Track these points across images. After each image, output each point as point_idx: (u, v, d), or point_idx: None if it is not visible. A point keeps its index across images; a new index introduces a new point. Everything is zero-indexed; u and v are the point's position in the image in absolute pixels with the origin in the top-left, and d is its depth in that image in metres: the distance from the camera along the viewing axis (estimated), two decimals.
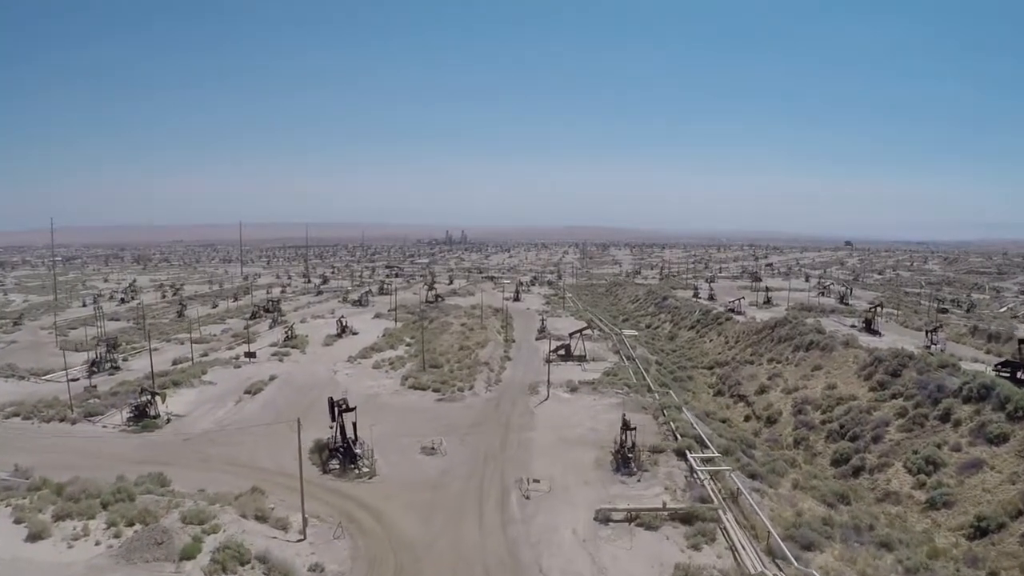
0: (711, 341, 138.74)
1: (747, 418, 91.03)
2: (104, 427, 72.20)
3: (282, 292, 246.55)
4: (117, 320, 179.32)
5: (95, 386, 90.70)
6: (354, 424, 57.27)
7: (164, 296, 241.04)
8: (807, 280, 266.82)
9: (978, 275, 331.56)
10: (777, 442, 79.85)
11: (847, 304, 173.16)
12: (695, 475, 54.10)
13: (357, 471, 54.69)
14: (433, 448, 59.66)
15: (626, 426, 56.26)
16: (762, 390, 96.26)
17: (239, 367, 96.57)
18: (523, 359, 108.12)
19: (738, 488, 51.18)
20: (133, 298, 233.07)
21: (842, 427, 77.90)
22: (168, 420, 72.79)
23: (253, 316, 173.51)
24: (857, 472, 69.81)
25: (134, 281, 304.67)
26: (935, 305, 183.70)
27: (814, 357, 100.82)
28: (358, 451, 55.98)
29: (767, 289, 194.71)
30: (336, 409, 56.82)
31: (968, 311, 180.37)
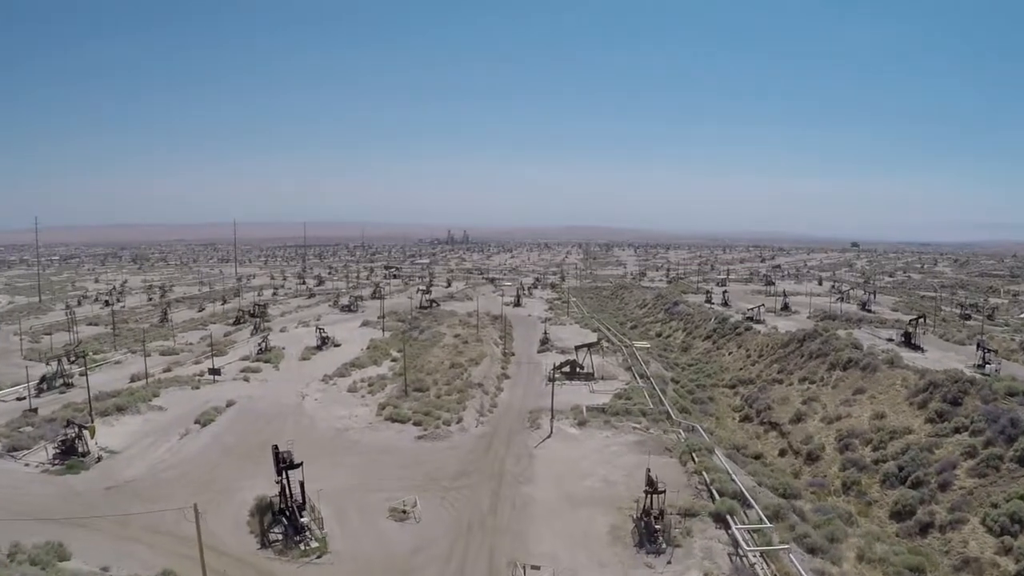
0: (730, 354, 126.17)
1: (782, 452, 78.43)
2: (27, 465, 60.97)
3: (274, 294, 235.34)
4: (96, 325, 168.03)
5: (35, 409, 78.98)
6: (301, 483, 44.64)
7: (151, 299, 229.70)
8: (820, 283, 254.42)
9: (991, 278, 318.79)
10: (823, 486, 67.33)
11: (870, 311, 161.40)
12: (741, 553, 41.92)
13: (304, 545, 42.14)
14: (404, 511, 46.94)
15: (652, 487, 43.90)
16: (798, 417, 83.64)
17: (198, 388, 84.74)
18: (523, 378, 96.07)
19: (799, 573, 39.07)
20: (118, 300, 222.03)
21: (900, 469, 65.38)
22: (99, 459, 61.31)
23: (237, 321, 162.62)
24: (925, 529, 57.53)
25: (125, 282, 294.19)
26: (957, 311, 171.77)
27: (854, 378, 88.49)
28: (304, 519, 43.25)
29: (784, 294, 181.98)
30: (279, 463, 44.44)
31: (990, 317, 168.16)
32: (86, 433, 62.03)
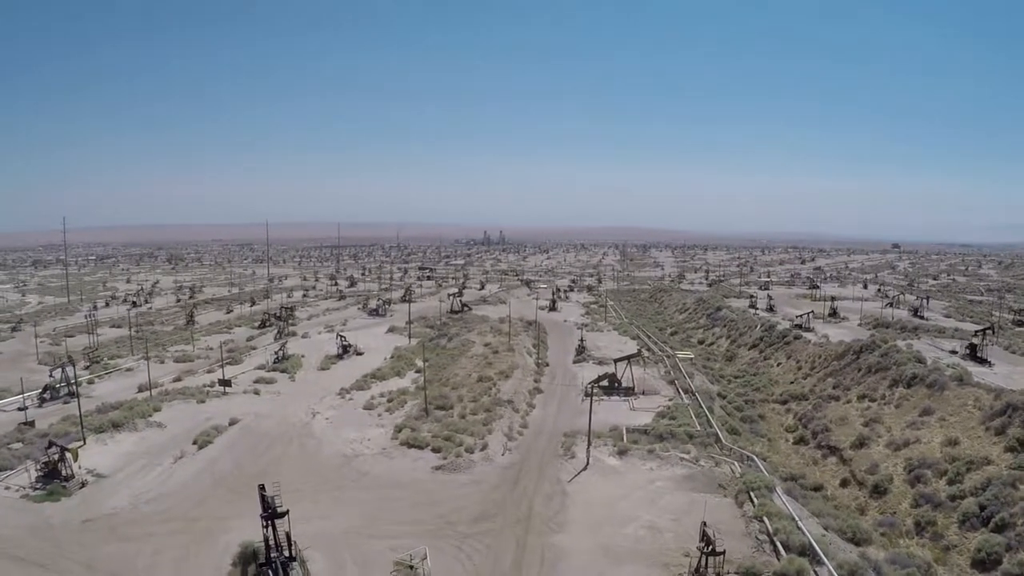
0: (779, 365, 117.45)
1: (844, 482, 69.98)
2: (7, 488, 55.66)
3: (304, 296, 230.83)
4: (119, 327, 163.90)
5: (31, 422, 73.79)
6: (288, 534, 37.84)
7: (179, 300, 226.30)
8: (865, 287, 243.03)
9: None
10: (894, 526, 59.12)
11: (923, 318, 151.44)
12: None
13: None
14: (412, 567, 39.68)
15: (710, 545, 36.31)
16: (860, 442, 74.99)
17: (203, 402, 78.92)
18: (557, 392, 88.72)
19: None
20: (146, 302, 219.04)
21: (982, 508, 56.96)
22: (83, 484, 55.77)
23: (263, 324, 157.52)
24: None
25: (156, 283, 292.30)
26: (1010, 317, 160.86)
27: (920, 396, 79.79)
28: None
29: (832, 299, 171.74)
30: (265, 509, 37.59)
31: None
32: (68, 455, 56.32)
